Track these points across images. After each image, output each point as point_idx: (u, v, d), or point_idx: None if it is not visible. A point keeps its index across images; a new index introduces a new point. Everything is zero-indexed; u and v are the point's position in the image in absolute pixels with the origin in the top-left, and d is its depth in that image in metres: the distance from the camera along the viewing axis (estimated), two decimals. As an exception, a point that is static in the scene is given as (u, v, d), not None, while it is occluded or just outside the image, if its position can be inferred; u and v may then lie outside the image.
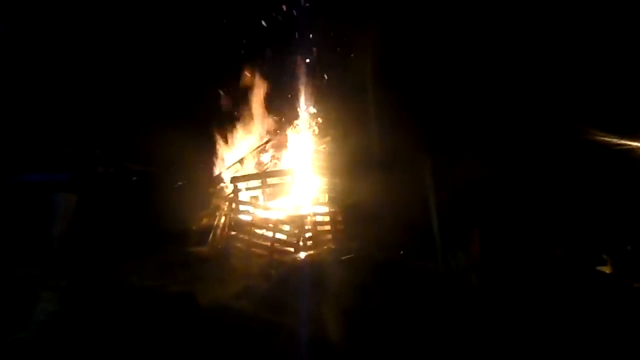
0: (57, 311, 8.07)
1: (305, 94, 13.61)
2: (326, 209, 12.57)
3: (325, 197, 12.80)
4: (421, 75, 12.79)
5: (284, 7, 13.98)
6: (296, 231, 11.50)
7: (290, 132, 13.56)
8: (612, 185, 12.32)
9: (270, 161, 13.77)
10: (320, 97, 13.59)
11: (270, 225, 11.75)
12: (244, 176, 12.99)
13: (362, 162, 12.30)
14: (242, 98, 13.81)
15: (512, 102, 12.84)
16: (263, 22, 14.10)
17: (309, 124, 13.61)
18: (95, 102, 13.84)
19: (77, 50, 13.91)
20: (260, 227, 11.87)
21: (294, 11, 14.05)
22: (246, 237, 11.78)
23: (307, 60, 13.87)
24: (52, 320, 7.80)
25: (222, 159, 13.72)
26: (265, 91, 13.70)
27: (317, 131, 13.61)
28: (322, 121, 13.54)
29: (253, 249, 11.57)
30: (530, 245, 11.44)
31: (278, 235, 11.59)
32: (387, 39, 12.91)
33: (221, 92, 14.11)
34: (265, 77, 13.75)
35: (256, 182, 12.69)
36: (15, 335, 7.30)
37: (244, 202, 12.39)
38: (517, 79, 12.88)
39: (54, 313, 8.01)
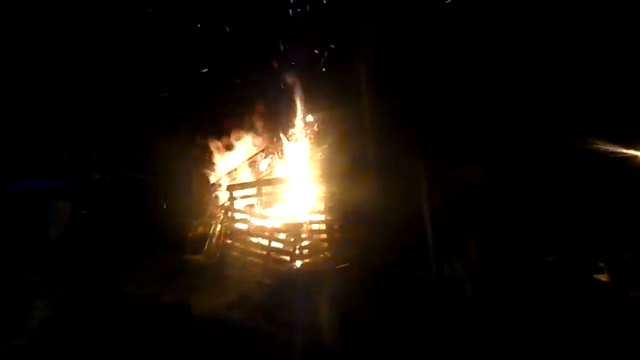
0: (52, 318, 8.05)
1: (302, 103, 13.60)
2: (323, 217, 12.52)
3: (321, 205, 12.75)
4: (417, 82, 12.80)
5: (290, 12, 14.07)
6: (292, 239, 11.46)
7: (286, 140, 13.53)
8: (610, 193, 12.30)
9: (267, 169, 13.74)
10: (317, 105, 13.57)
11: (266, 233, 11.72)
12: (240, 184, 12.98)
13: (358, 169, 12.27)
14: (239, 107, 13.80)
15: (508, 110, 12.84)
16: (261, 31, 14.15)
17: (306, 132, 13.59)
18: (94, 110, 13.82)
19: (76, 58, 13.90)
20: (256, 236, 11.83)
21: (292, 18, 14.14)
22: (242, 246, 11.75)
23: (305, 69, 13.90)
24: (47, 328, 7.78)
25: (219, 167, 13.70)
26: (263, 100, 13.72)
27: (313, 139, 13.57)
28: (319, 129, 13.52)
29: (249, 258, 11.53)
30: (527, 253, 11.40)
31: (274, 244, 11.55)
32: (383, 47, 12.95)
33: (218, 101, 14.12)
34: (263, 85, 13.77)
35: (252, 190, 12.65)
36: (11, 343, 7.30)
37: (240, 210, 12.36)
38: (513, 87, 12.89)
39: (49, 320, 7.99)
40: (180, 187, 13.52)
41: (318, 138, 13.49)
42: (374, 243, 10.86)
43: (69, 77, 13.83)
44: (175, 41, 14.04)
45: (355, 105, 12.75)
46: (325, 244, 12.12)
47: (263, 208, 12.48)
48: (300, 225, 11.87)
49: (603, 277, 11.22)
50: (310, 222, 12.29)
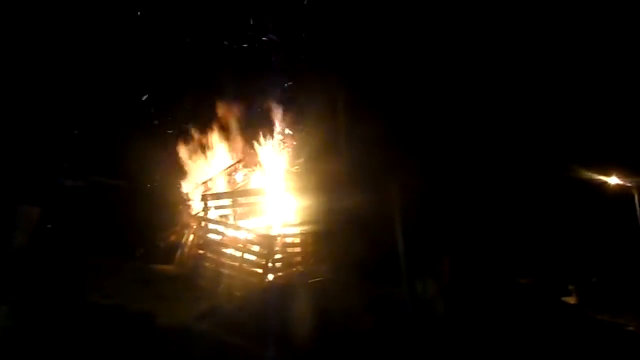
0: (11, 327, 7.77)
1: (280, 117, 13.61)
2: (297, 230, 12.47)
3: (296, 219, 12.71)
4: (394, 100, 12.99)
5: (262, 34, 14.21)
6: (265, 252, 11.35)
7: (263, 152, 13.49)
8: (580, 219, 12.58)
9: (243, 180, 13.65)
10: (294, 119, 13.62)
11: (240, 245, 11.58)
12: (214, 194, 12.84)
13: (333, 184, 12.32)
14: (215, 117, 13.74)
15: (483, 134, 13.11)
16: (239, 44, 14.22)
17: (283, 145, 13.59)
18: (66, 114, 13.58)
19: (47, 60, 13.66)
20: (229, 247, 11.69)
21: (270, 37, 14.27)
22: (214, 257, 11.57)
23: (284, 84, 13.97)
24: (5, 337, 7.49)
25: (193, 177, 13.54)
26: (240, 111, 13.70)
27: (291, 152, 13.57)
28: (296, 143, 13.53)
29: (221, 269, 11.34)
30: (499, 274, 11.54)
31: (247, 256, 11.41)
32: (360, 64, 13.19)
33: (193, 111, 14.05)
34: (241, 98, 13.75)
35: (227, 201, 12.53)
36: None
37: (214, 220, 12.21)
38: (489, 110, 13.18)
39: (7, 329, 7.70)
40: (153, 195, 13.31)
41: (295, 151, 13.49)
42: (347, 258, 10.85)
43: (41, 80, 13.57)
44: (154, 47, 13.95)
45: (331, 120, 12.85)
46: (299, 258, 12.06)
47: (237, 219, 12.32)
48: (274, 238, 11.78)
49: (571, 300, 11.44)
50: (284, 236, 12.23)
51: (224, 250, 11.64)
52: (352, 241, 11.17)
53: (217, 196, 12.72)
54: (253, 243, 11.53)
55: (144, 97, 13.90)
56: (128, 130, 13.31)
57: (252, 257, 11.39)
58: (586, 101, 13.01)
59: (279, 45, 14.20)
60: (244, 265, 11.29)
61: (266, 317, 8.80)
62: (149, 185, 13.44)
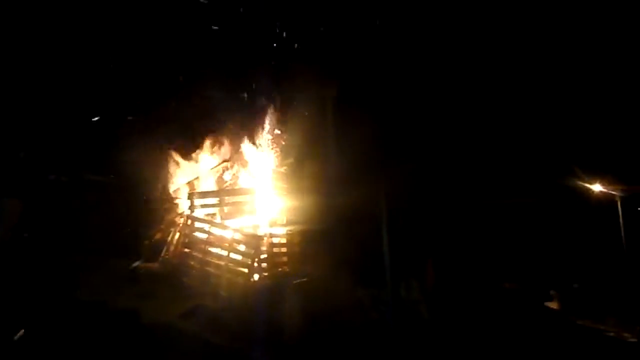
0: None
1: (269, 117, 13.60)
2: (283, 230, 12.46)
3: (283, 219, 12.70)
4: (382, 103, 13.06)
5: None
6: (251, 252, 11.32)
7: (251, 151, 13.46)
8: (563, 225, 12.74)
9: (231, 179, 13.61)
10: (283, 120, 13.62)
11: (226, 244, 11.54)
12: (201, 193, 12.79)
13: (320, 186, 12.34)
14: (204, 115, 13.69)
15: (470, 138, 13.24)
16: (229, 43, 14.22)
17: (271, 144, 13.56)
18: (52, 110, 13.44)
19: (36, 58, 13.51)
20: (215, 246, 11.64)
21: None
22: (200, 255, 11.51)
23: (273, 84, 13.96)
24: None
25: (181, 174, 13.47)
26: (229, 110, 13.65)
27: (279, 152, 13.56)
28: (285, 143, 13.51)
29: (206, 268, 11.30)
30: (483, 278, 11.64)
31: (233, 255, 11.37)
32: (349, 68, 13.28)
33: (183, 109, 13.98)
34: (230, 96, 13.72)
35: (214, 200, 12.48)
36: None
37: (201, 219, 12.16)
38: (474, 114, 13.32)
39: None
40: (140, 192, 13.21)
41: (284, 151, 13.48)
42: (332, 259, 10.87)
43: (27, 75, 13.42)
44: (142, 43, 13.88)
45: (320, 121, 12.88)
46: (285, 258, 12.05)
47: (224, 218, 12.27)
48: (260, 237, 11.76)
49: (553, 305, 11.56)
50: (271, 236, 12.21)
51: (210, 249, 11.59)
52: (338, 242, 11.21)
53: (204, 195, 12.67)
54: (239, 242, 11.50)
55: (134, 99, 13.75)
56: (115, 127, 13.21)
57: (238, 257, 11.36)
58: (572, 109, 13.19)
59: (269, 44, 14.19)
60: (230, 264, 11.25)
61: (251, 317, 8.80)
62: (134, 183, 13.28)
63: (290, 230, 12.36)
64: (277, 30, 14.35)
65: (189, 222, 12.11)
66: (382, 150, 12.41)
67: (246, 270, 11.15)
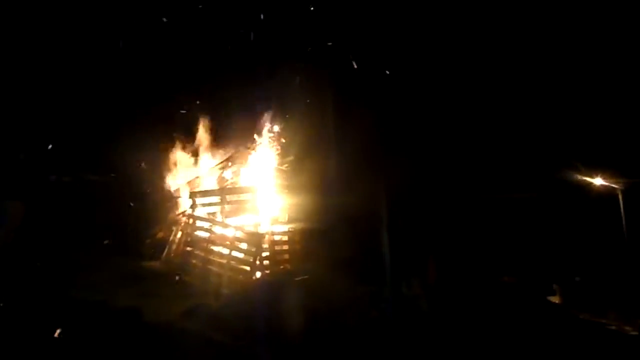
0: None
1: (271, 115, 13.61)
2: (285, 228, 12.49)
3: (284, 217, 12.72)
4: (383, 102, 13.06)
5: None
6: (253, 250, 11.35)
7: (253, 150, 13.48)
8: (565, 218, 12.72)
9: (232, 178, 13.63)
10: (284, 118, 13.63)
11: (227, 242, 11.57)
12: (203, 191, 12.82)
13: (321, 184, 12.34)
14: (206, 114, 13.71)
15: (468, 134, 13.23)
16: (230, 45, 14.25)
17: (273, 142, 13.57)
18: (53, 110, 13.48)
19: (37, 57, 13.55)
20: (217, 244, 11.67)
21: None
22: (202, 254, 11.56)
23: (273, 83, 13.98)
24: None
25: (182, 173, 13.50)
26: (230, 109, 13.67)
27: (280, 150, 13.56)
28: (286, 141, 13.52)
29: (208, 266, 11.35)
30: (484, 273, 11.64)
31: (234, 253, 11.41)
32: (351, 67, 13.30)
33: (184, 108, 14.00)
34: (231, 95, 13.72)
35: (216, 198, 12.51)
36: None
37: (202, 218, 12.19)
38: (473, 112, 13.32)
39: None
40: (141, 191, 13.26)
41: (284, 149, 13.49)
42: (333, 257, 10.89)
43: (28, 76, 13.45)
44: (141, 45, 13.91)
45: (321, 119, 12.88)
46: (286, 256, 12.09)
47: (226, 217, 12.30)
48: (262, 235, 11.79)
49: (555, 299, 11.56)
50: (272, 233, 12.24)
51: (212, 247, 11.63)
52: (339, 239, 11.22)
53: (205, 193, 12.70)
54: (241, 240, 11.54)
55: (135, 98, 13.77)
56: (116, 127, 13.23)
57: (240, 255, 11.40)
58: (572, 104, 13.16)
59: (269, 44, 14.19)
60: (232, 262, 11.30)
61: (253, 314, 8.79)
62: (135, 182, 13.33)
63: (291, 228, 12.40)
64: (277, 30, 14.31)
65: (191, 221, 12.15)
66: (382, 147, 12.42)
67: (248, 268, 11.20)
